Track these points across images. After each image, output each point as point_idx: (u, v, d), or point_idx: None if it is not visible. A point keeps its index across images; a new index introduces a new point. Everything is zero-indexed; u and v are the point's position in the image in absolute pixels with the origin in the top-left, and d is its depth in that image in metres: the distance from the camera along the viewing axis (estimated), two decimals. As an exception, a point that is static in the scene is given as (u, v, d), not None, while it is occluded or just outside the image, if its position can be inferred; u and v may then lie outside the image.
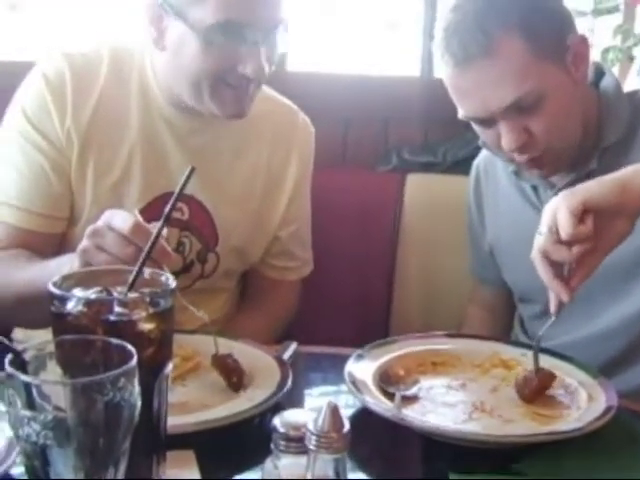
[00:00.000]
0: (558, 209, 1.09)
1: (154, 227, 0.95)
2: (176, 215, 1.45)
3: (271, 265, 1.66)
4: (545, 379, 1.16)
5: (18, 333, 1.59)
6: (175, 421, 0.95)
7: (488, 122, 1.36)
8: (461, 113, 1.38)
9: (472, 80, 1.32)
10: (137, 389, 0.70)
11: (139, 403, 0.71)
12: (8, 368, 0.68)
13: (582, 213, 1.07)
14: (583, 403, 1.12)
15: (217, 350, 1.17)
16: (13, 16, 2.23)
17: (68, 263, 1.20)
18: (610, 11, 2.34)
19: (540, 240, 1.11)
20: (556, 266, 1.12)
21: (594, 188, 1.10)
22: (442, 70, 1.37)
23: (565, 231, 1.07)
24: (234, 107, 1.40)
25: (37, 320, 1.35)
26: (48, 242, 1.45)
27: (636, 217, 1.12)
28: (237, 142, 1.53)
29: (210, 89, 1.37)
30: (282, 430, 0.77)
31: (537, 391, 1.15)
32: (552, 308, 1.14)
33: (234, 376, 1.15)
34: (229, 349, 1.19)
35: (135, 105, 1.47)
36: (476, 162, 1.68)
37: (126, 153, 1.46)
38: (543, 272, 1.12)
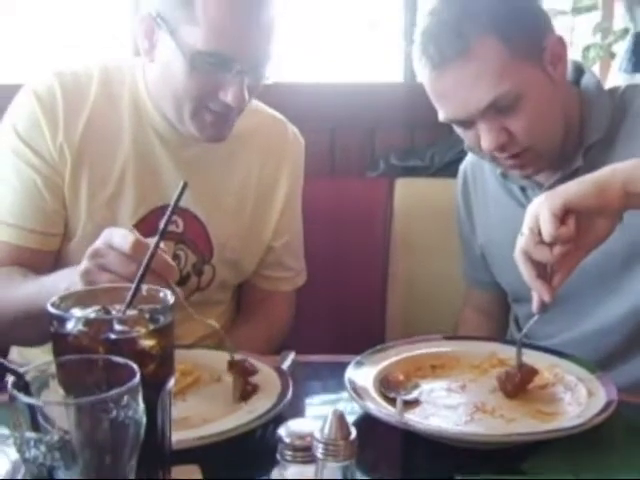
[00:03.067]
0: (540, 210, 1.10)
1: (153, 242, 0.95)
2: (171, 228, 1.46)
3: (265, 276, 1.67)
4: (527, 374, 1.17)
5: (14, 353, 1.58)
6: (178, 436, 0.95)
7: (468, 123, 1.38)
8: (441, 115, 1.40)
9: (450, 83, 1.34)
10: (141, 406, 0.70)
11: (144, 420, 0.71)
12: (11, 390, 0.68)
13: (564, 214, 1.09)
14: (583, 399, 1.12)
15: (233, 355, 1.17)
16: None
17: (65, 279, 1.20)
18: (589, 9, 2.37)
19: (522, 240, 1.13)
20: (538, 266, 1.13)
21: (574, 190, 1.12)
22: (420, 74, 1.39)
23: (547, 232, 1.09)
24: (213, 131, 1.41)
25: (34, 337, 1.36)
26: (42, 259, 1.45)
27: (617, 217, 1.13)
28: (228, 155, 1.54)
29: (191, 111, 1.38)
30: (288, 440, 0.78)
31: (519, 386, 1.16)
32: (534, 307, 1.16)
33: (250, 384, 1.15)
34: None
35: (127, 120, 1.47)
36: (463, 165, 1.69)
37: (119, 167, 1.46)
38: (525, 272, 1.14)
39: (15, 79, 1.82)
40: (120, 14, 2.23)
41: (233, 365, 1.17)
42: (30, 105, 1.43)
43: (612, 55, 2.38)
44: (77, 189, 1.44)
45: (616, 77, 2.31)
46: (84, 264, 1.13)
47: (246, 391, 1.14)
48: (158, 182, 1.48)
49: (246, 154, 1.57)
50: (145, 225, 1.34)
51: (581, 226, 1.10)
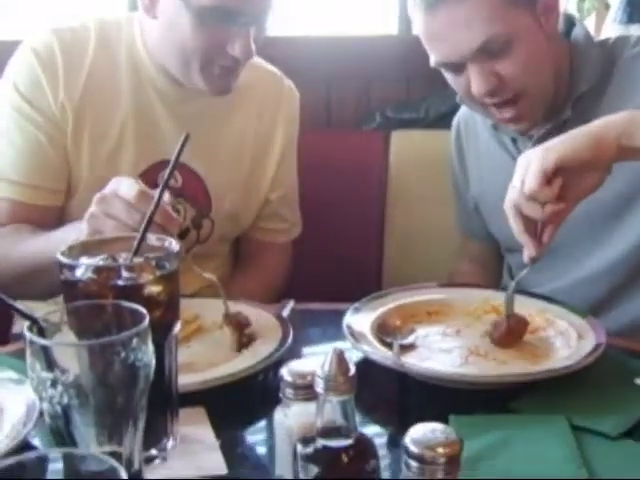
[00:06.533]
0: (530, 163, 1.11)
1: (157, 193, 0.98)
2: (170, 183, 1.47)
3: (261, 228, 1.70)
4: (516, 324, 1.18)
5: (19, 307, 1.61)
6: (184, 380, 0.98)
7: (459, 67, 1.39)
8: (433, 59, 1.41)
9: (443, 23, 1.35)
10: (151, 348, 0.74)
11: (153, 362, 0.74)
12: (27, 334, 0.71)
13: (554, 172, 1.10)
14: (573, 342, 1.16)
15: (227, 309, 1.21)
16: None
17: (74, 231, 1.22)
18: (585, -40, 2.36)
19: (512, 193, 1.14)
20: (527, 219, 1.14)
21: (568, 146, 1.12)
22: (415, 18, 1.40)
23: (529, 188, 1.10)
24: (221, 84, 1.43)
25: (42, 291, 1.38)
26: (48, 215, 1.47)
27: (608, 169, 1.14)
28: (225, 109, 1.56)
29: (199, 67, 1.39)
30: (290, 379, 0.81)
31: (507, 336, 1.17)
32: (525, 258, 1.17)
33: (245, 335, 1.19)
34: (231, 309, 1.22)
35: (125, 76, 1.48)
36: (456, 118, 1.71)
37: (119, 122, 1.48)
38: (514, 224, 1.15)
39: (12, 35, 1.82)
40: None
41: (227, 318, 1.21)
42: (29, 63, 1.44)
43: (607, 6, 2.38)
44: (79, 145, 1.46)
45: (611, 28, 2.32)
46: (91, 209, 1.16)
47: (241, 342, 1.18)
48: (157, 137, 1.49)
49: (243, 108, 1.58)
50: (146, 179, 1.36)
51: (570, 179, 1.11)
